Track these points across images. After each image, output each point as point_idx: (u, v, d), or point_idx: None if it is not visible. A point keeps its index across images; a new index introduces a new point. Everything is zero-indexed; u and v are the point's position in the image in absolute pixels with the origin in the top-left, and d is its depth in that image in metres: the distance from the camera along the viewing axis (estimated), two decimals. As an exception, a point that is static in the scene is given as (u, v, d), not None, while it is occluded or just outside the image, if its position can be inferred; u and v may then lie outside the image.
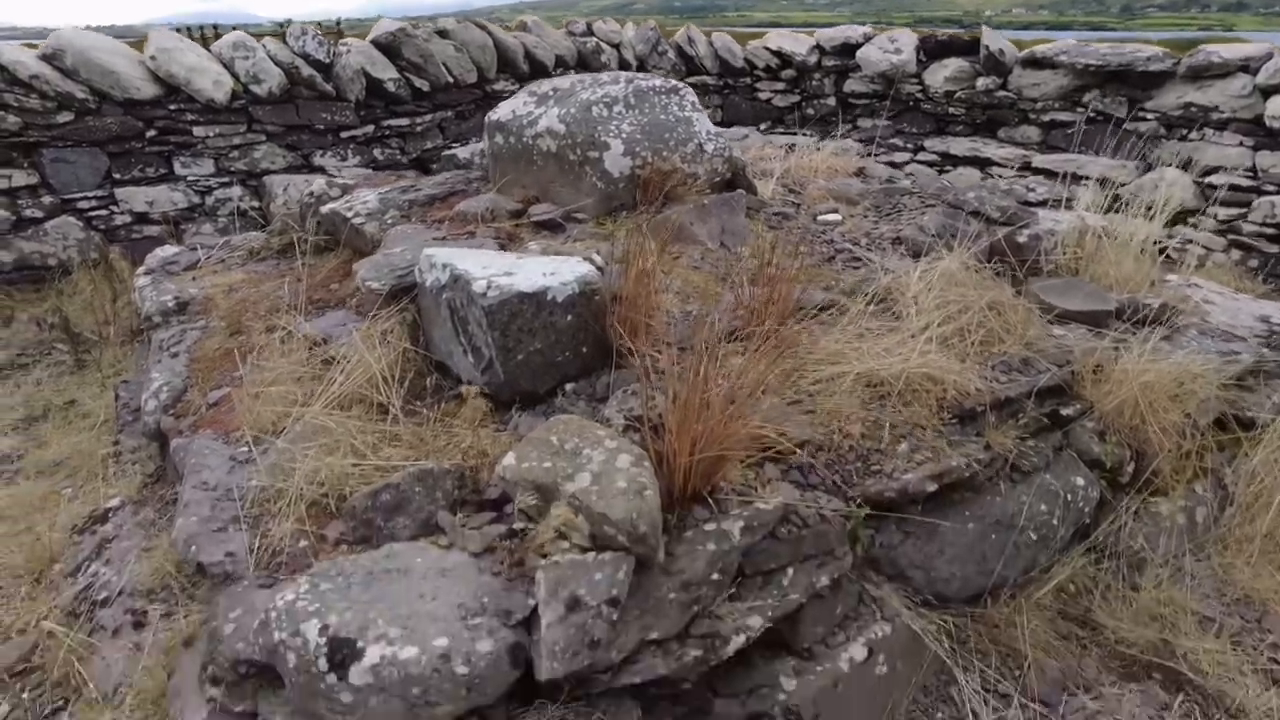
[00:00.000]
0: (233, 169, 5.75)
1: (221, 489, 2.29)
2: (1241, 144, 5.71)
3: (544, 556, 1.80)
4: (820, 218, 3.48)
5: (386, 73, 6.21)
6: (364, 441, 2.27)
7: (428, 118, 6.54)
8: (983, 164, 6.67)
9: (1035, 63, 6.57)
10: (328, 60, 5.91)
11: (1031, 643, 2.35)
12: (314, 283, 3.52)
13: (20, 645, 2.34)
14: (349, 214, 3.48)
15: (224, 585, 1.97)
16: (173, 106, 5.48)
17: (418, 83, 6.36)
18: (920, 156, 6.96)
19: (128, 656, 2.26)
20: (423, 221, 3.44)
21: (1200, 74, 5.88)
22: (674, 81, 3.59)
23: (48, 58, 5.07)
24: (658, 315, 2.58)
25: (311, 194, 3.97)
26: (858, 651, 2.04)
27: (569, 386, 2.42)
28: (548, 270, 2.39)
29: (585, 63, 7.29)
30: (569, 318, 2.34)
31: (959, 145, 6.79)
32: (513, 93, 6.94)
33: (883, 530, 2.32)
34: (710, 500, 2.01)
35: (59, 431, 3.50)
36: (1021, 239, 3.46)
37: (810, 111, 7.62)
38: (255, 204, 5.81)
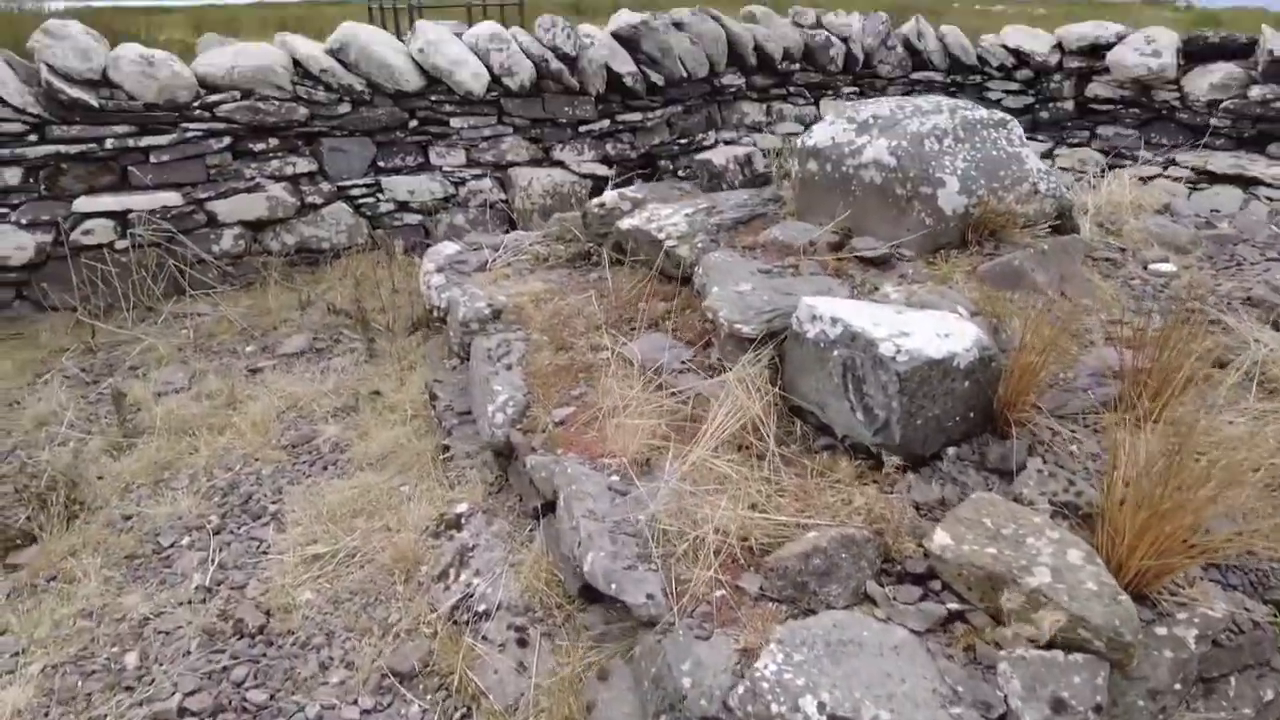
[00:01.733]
0: (481, 160, 5.99)
1: (609, 521, 2.39)
2: None
3: (998, 646, 1.81)
4: (1151, 266, 3.28)
5: (625, 66, 6.28)
6: (757, 490, 2.33)
7: (658, 113, 6.58)
8: (1247, 183, 6.11)
9: (1328, 72, 5.96)
10: (574, 54, 6.02)
11: None
12: (621, 300, 3.63)
13: (419, 648, 2.54)
14: (660, 235, 3.54)
15: (649, 629, 2.07)
16: (433, 98, 5.74)
17: (653, 77, 6.40)
18: (1170, 172, 6.44)
19: (517, 672, 2.43)
20: (732, 247, 3.47)
21: None
22: (999, 114, 3.44)
23: (334, 52, 5.40)
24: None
25: (602, 205, 4.07)
26: (1289, 769, 1.95)
27: (950, 451, 2.39)
28: (940, 331, 2.35)
29: (812, 56, 7.13)
30: (966, 384, 2.31)
31: (1220, 161, 6.24)
32: (739, 87, 6.92)
33: (1290, 635, 2.19)
34: (1148, 600, 1.96)
35: (375, 423, 3.77)
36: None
37: (1044, 115, 7.19)
38: (501, 196, 6.03)
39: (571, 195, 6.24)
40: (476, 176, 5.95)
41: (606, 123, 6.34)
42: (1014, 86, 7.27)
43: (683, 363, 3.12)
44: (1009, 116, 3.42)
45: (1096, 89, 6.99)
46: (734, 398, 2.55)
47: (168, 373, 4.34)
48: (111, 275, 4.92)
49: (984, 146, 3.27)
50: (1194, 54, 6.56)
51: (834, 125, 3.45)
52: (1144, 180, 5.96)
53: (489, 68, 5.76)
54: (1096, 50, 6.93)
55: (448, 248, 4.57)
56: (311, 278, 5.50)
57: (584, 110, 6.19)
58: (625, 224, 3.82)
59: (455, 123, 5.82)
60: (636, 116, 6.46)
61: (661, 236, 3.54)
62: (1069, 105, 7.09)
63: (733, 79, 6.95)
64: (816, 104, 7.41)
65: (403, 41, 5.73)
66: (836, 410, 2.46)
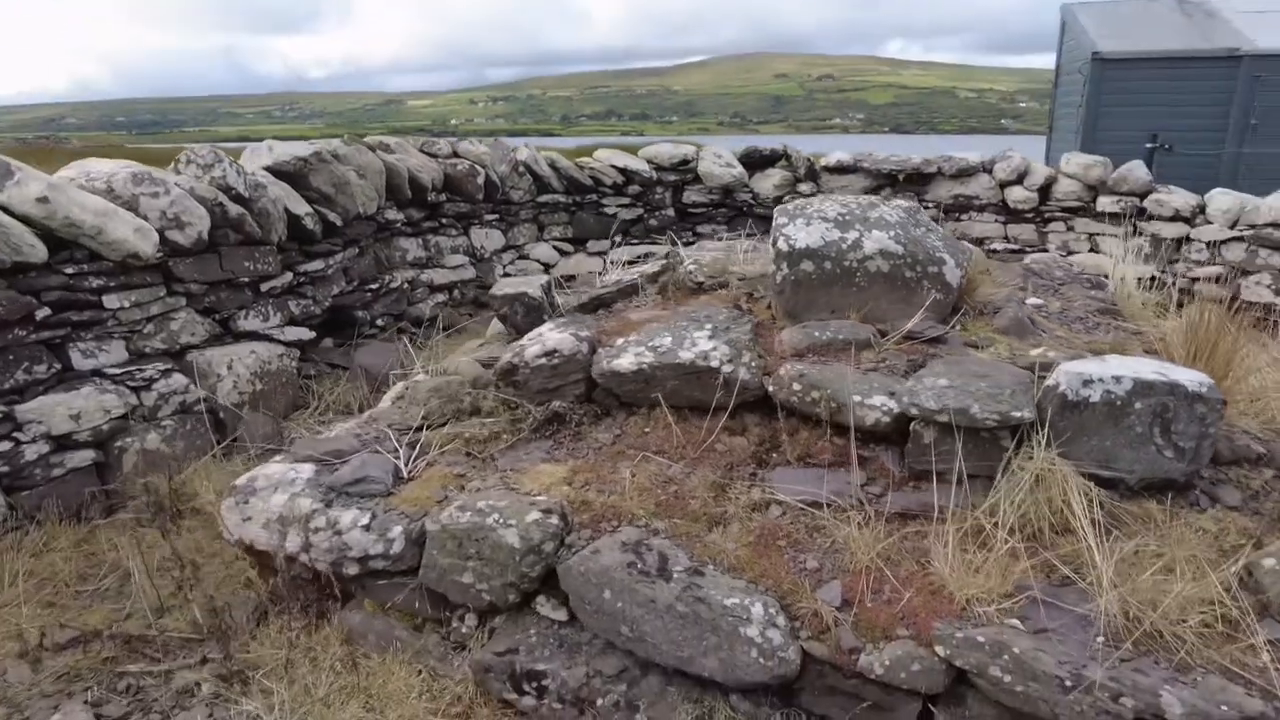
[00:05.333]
0: (148, 349, 4.01)
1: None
2: (996, 220, 7.92)
3: None
4: (1029, 302, 4.05)
5: (300, 207, 4.98)
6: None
7: (338, 257, 5.35)
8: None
9: (841, 169, 8.11)
10: (248, 194, 4.54)
11: None
12: (692, 451, 2.92)
13: None
14: (707, 363, 2.97)
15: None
16: (70, 270, 3.67)
17: (330, 216, 5.20)
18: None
19: None
20: (784, 358, 3.11)
21: (963, 174, 7.99)
22: (912, 203, 3.85)
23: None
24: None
25: (553, 354, 3.21)
26: None
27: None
28: (1158, 369, 2.56)
29: (458, 186, 6.67)
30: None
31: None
32: (401, 222, 6.12)
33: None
34: None
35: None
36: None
37: (653, 223, 8.05)
38: (201, 394, 4.12)
39: (282, 372, 4.66)
40: (164, 373, 3.99)
41: (289, 276, 4.93)
42: (625, 201, 8.00)
43: (864, 489, 2.68)
44: (916, 204, 3.85)
45: (692, 196, 8.19)
46: (1066, 492, 2.33)
47: None
48: None
49: (933, 229, 3.62)
50: (749, 164, 8.24)
51: (811, 227, 3.38)
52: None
53: (144, 218, 3.97)
54: (684, 164, 8.13)
55: (295, 471, 2.99)
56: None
57: (266, 264, 4.71)
58: (622, 364, 3.09)
59: (111, 301, 3.83)
60: (318, 265, 5.17)
61: (714, 364, 2.97)
62: (671, 212, 8.13)
63: (393, 214, 6.11)
64: (467, 234, 6.97)
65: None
66: (1131, 460, 2.46)
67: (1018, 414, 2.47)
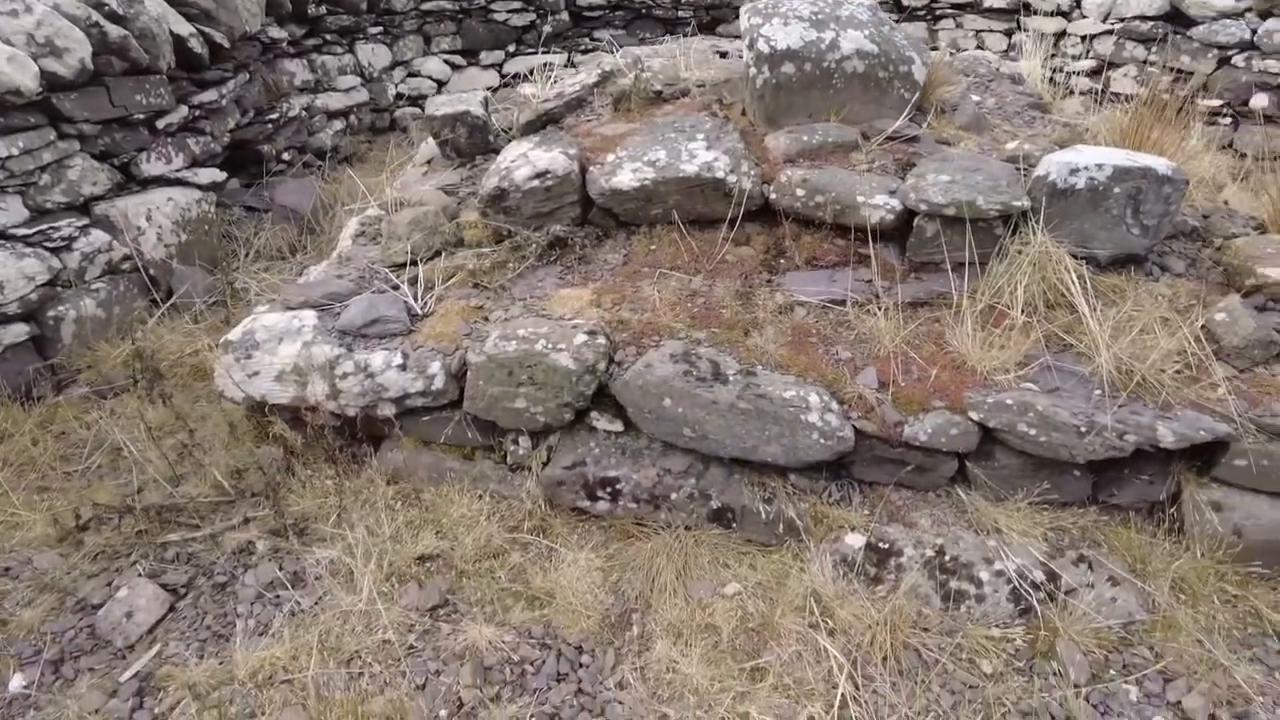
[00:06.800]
0: (49, 204, 3.51)
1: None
2: (891, 18, 7.99)
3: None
4: (971, 98, 4.24)
5: (183, 26, 4.32)
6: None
7: (230, 85, 4.74)
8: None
9: (738, -33, 7.79)
10: (123, 12, 3.88)
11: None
12: (707, 264, 3.00)
13: None
14: (712, 174, 2.99)
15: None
16: (-59, 115, 3.11)
17: (216, 37, 4.56)
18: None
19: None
20: (779, 164, 3.17)
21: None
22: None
23: None
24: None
25: (545, 175, 3.13)
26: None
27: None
28: (1124, 157, 2.84)
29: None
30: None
31: (699, 45, 7.70)
32: (285, 41, 5.49)
33: None
34: None
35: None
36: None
37: (547, 29, 7.49)
38: (125, 252, 3.70)
39: (204, 220, 4.26)
40: (82, 230, 3.56)
41: (185, 110, 4.37)
42: (516, 5, 7.36)
43: (869, 283, 2.89)
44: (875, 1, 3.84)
45: (586, -2, 7.66)
46: (1059, 271, 2.62)
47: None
48: None
49: (895, 26, 3.65)
50: (641, -39, 7.75)
51: (789, 27, 3.33)
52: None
53: (11, 45, 3.36)
54: (578, -39, 7.52)
55: (298, 319, 2.86)
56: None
57: (159, 96, 4.14)
58: (622, 182, 3.06)
59: (-1, 148, 3.31)
60: (211, 95, 4.59)
61: (719, 174, 3.00)
62: (565, 16, 7.59)
63: (276, 32, 5.41)
64: (352, 51, 6.29)
65: None
66: (1105, 239, 2.76)
67: (1017, 203, 2.70)
